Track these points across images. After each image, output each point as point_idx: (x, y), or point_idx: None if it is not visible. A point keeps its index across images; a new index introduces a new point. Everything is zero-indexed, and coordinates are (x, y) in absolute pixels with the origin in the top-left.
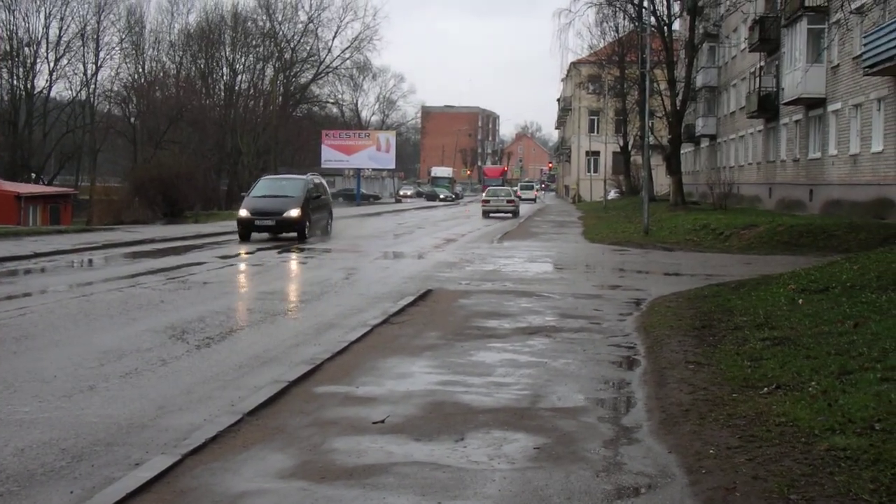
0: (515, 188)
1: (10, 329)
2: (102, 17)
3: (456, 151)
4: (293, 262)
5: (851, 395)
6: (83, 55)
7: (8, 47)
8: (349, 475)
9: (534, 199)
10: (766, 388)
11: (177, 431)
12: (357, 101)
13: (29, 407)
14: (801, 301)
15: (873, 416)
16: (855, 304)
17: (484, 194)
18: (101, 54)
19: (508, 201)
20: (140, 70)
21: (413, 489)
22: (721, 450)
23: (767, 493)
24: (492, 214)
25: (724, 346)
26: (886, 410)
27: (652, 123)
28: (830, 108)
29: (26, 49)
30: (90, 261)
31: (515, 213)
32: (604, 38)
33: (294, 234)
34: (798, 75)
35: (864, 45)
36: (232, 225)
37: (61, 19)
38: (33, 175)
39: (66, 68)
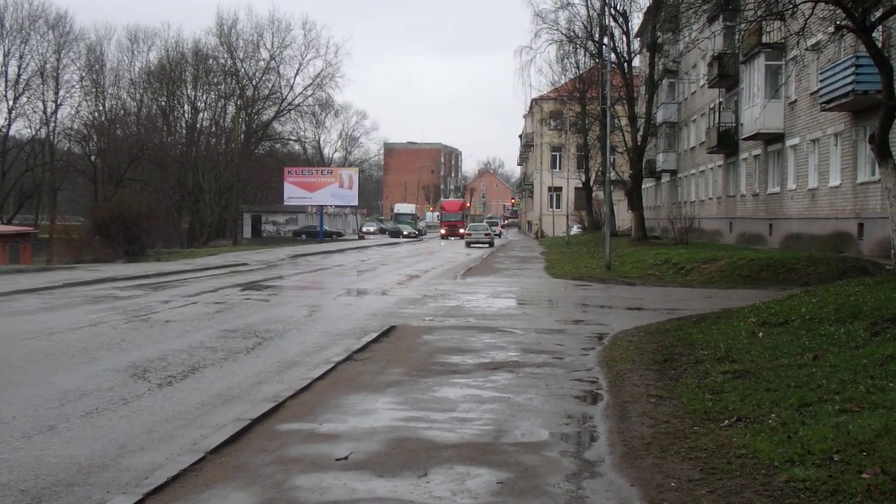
0: (496, 222)
1: None
2: (62, 55)
3: (419, 188)
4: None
5: (811, 427)
6: (43, 93)
7: None
8: None
9: (498, 235)
10: (727, 421)
11: (138, 471)
12: (319, 138)
13: None
14: (761, 334)
15: (832, 447)
16: (814, 337)
17: (466, 229)
18: (61, 92)
19: (486, 234)
20: (100, 108)
21: None
22: (683, 482)
23: None
24: (472, 244)
25: (685, 379)
26: (845, 442)
27: (613, 159)
28: (789, 143)
29: None
30: (50, 300)
31: (491, 244)
32: (565, 75)
33: None
34: (756, 111)
35: (821, 81)
36: (194, 263)
37: (20, 57)
38: None
39: (26, 106)
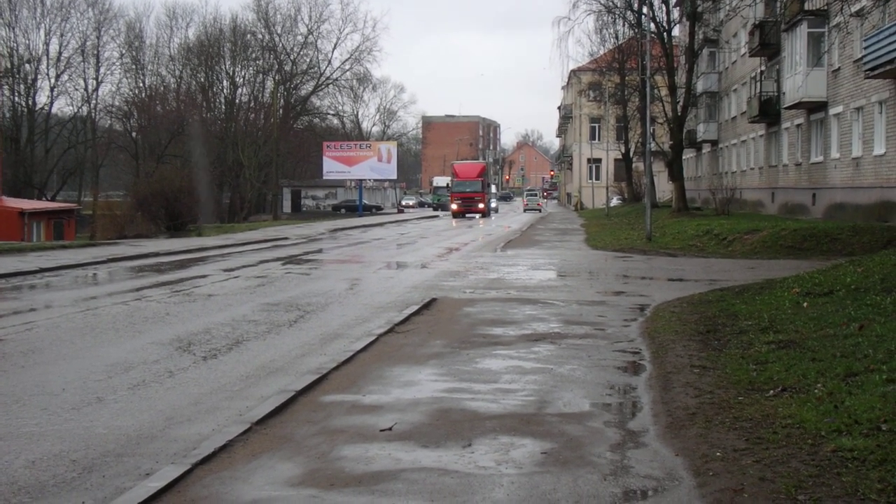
0: (536, 194)
1: (17, 343)
2: (102, 33)
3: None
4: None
5: (857, 397)
6: (84, 71)
7: (9, 64)
8: (358, 482)
9: (538, 209)
10: (772, 391)
11: (186, 441)
12: (357, 112)
13: (38, 419)
14: (805, 304)
15: (879, 416)
16: (859, 307)
17: (523, 198)
18: (102, 70)
19: (538, 203)
20: (140, 85)
21: (422, 495)
22: (728, 452)
23: (775, 495)
24: (526, 210)
25: (729, 350)
26: (892, 411)
27: (653, 130)
28: (832, 111)
29: (27, 65)
30: (95, 275)
31: (540, 210)
32: (604, 46)
33: None
34: (799, 79)
35: (865, 48)
36: (235, 238)
37: (61, 35)
38: (36, 191)
39: (67, 84)
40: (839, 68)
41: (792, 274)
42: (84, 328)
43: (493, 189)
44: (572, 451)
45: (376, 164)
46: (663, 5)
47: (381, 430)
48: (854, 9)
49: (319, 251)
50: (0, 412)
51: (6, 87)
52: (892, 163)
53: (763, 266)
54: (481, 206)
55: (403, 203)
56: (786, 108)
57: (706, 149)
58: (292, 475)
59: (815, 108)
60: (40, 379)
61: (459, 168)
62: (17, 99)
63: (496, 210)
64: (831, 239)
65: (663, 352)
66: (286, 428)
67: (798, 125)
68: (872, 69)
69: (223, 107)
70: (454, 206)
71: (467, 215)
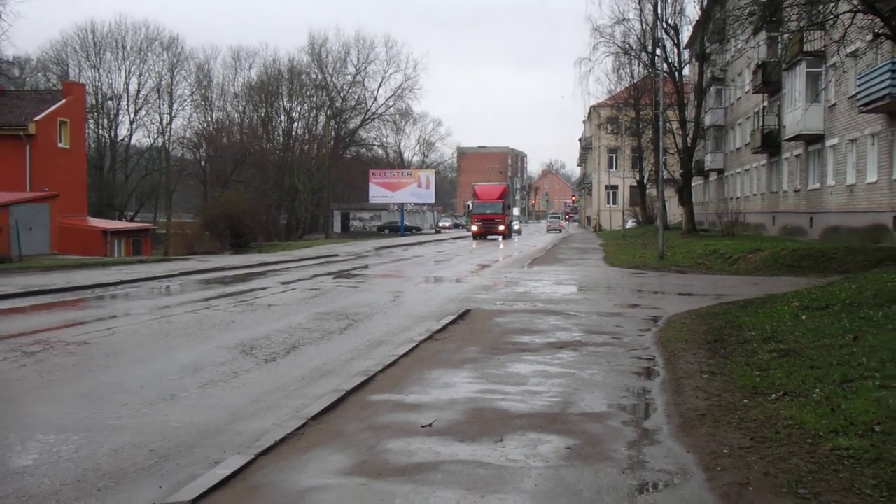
0: (559, 217)
1: (100, 347)
2: (175, 73)
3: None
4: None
5: (853, 401)
6: (159, 107)
7: (94, 101)
8: (402, 472)
9: (559, 230)
10: (774, 395)
11: (249, 435)
12: (400, 143)
13: (119, 414)
14: (804, 317)
15: (873, 419)
16: (854, 320)
17: (546, 220)
18: (175, 106)
19: (559, 225)
20: (209, 119)
21: (459, 484)
22: (735, 450)
23: (778, 488)
24: (549, 231)
25: (734, 357)
26: (885, 414)
27: (665, 159)
28: (828, 143)
29: (109, 102)
30: (168, 287)
31: (561, 231)
32: (620, 83)
33: None
34: (798, 114)
35: (859, 85)
36: (291, 255)
37: (140, 76)
38: (117, 212)
39: (145, 118)
40: (835, 104)
41: (791, 290)
42: (159, 333)
43: (516, 211)
44: (594, 447)
45: (416, 190)
46: (675, 47)
47: (422, 427)
48: (849, 50)
49: (366, 267)
50: (86, 407)
51: (92, 121)
52: (884, 189)
53: (765, 282)
54: (502, 227)
55: (440, 224)
56: (786, 140)
57: (713, 176)
58: (343, 466)
59: (812, 140)
60: (121, 378)
61: (480, 190)
62: (101, 132)
63: (519, 232)
64: (827, 258)
65: (675, 359)
66: (337, 423)
67: (797, 155)
68: (866, 105)
69: (281, 138)
70: (474, 228)
71: (488, 237)
